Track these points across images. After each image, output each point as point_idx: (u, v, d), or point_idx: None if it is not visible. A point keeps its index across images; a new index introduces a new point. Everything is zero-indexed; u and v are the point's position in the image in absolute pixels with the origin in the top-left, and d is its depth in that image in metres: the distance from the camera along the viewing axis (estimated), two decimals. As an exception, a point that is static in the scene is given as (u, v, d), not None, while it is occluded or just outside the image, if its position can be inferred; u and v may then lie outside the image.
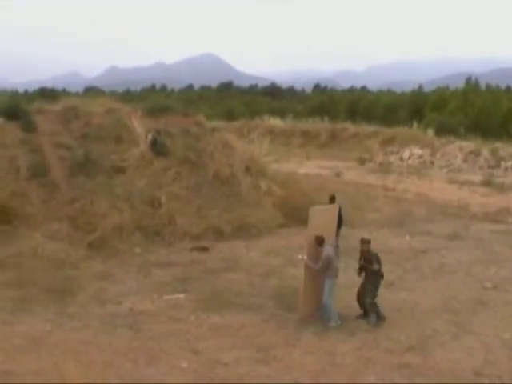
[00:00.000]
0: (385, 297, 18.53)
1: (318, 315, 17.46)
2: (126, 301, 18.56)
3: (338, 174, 45.95)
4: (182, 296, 19.10)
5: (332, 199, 24.35)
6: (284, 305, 18.24)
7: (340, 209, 20.97)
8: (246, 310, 17.94)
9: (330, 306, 17.27)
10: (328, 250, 17.20)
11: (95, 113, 31.33)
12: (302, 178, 35.51)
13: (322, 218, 17.95)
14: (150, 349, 15.07)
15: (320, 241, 17.26)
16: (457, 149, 55.96)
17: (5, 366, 13.62)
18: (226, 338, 15.99)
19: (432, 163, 54.83)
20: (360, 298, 17.71)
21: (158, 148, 29.48)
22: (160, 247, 24.48)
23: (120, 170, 27.97)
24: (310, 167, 50.01)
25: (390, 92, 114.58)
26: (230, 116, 77.39)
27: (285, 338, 16.02)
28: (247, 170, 31.45)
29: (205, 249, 24.40)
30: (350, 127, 70.75)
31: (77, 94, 68.06)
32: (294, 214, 28.20)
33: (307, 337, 16.15)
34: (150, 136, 29.69)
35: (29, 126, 28.58)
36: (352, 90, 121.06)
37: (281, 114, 78.67)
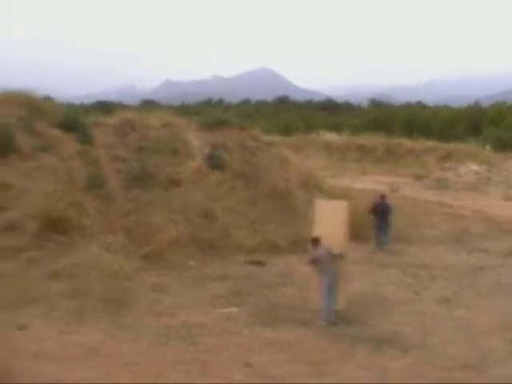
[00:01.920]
0: (440, 314, 18.32)
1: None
2: (180, 313, 18.60)
3: (394, 190, 45.51)
4: (236, 309, 19.09)
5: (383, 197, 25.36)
6: (338, 320, 18.11)
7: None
8: (299, 324, 17.84)
9: (324, 304, 18.10)
10: (318, 252, 18.24)
11: (151, 126, 31.52)
12: (358, 193, 35.22)
13: (329, 214, 18.15)
14: (202, 361, 15.05)
15: (314, 242, 18.44)
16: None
17: (59, 375, 13.70)
18: (279, 352, 15.92)
19: (489, 179, 54.13)
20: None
21: (214, 161, 29.56)
22: (215, 260, 24.48)
23: (176, 183, 28.07)
24: (365, 182, 49.66)
25: (447, 107, 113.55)
26: (286, 130, 77.41)
27: (338, 353, 15.90)
28: (303, 184, 31.39)
29: (259, 263, 24.36)
30: (407, 142, 69.85)
31: (133, 107, 68.49)
32: (351, 230, 28.04)
33: (361, 352, 15.99)
34: (206, 149, 29.80)
35: (86, 139, 28.87)
36: (408, 104, 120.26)
37: (336, 128, 78.40)
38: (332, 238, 18.25)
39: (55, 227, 23.83)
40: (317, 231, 18.62)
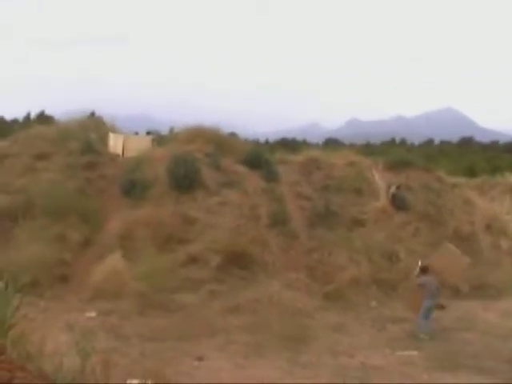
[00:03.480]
0: None
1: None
2: (358, 354, 18.37)
3: None
4: (415, 353, 18.65)
5: None
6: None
7: None
8: (480, 372, 17.17)
9: (422, 322, 20.82)
10: (425, 278, 21.30)
11: (336, 165, 31.61)
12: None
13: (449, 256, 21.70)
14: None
15: (423, 269, 21.64)
16: None
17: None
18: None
19: None
20: None
21: (398, 202, 29.28)
22: (396, 302, 24.04)
23: (359, 223, 27.99)
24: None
25: None
26: (470, 172, 75.57)
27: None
28: (488, 228, 30.59)
29: (441, 306, 23.78)
30: None
31: (317, 146, 68.92)
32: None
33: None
34: (391, 190, 29.55)
35: (271, 176, 29.21)
36: None
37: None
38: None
39: (237, 262, 24.21)
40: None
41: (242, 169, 29.34)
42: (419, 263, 22.16)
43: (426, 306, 20.93)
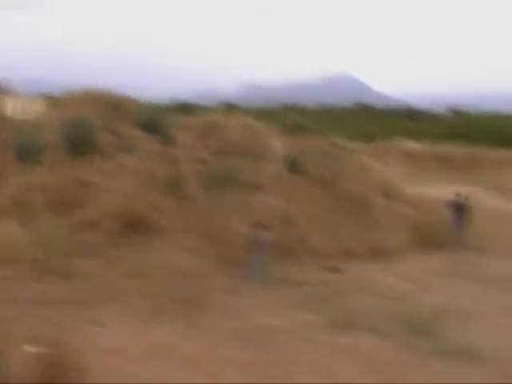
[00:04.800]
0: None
1: None
2: (254, 317, 18.56)
3: (473, 199, 44.57)
4: (311, 315, 18.96)
5: None
6: (415, 331, 17.90)
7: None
8: (375, 333, 17.65)
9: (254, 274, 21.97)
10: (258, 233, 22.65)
11: (233, 129, 31.60)
12: (436, 201, 34.82)
13: None
14: (276, 365, 15.00)
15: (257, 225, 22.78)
16: None
17: (133, 373, 13.79)
18: (353, 359, 15.80)
19: None
20: None
21: (293, 166, 29.51)
22: (291, 266, 24.33)
23: (254, 187, 28.09)
24: (446, 192, 48.87)
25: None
26: (366, 137, 76.71)
27: (415, 365, 15.72)
28: (382, 192, 31.21)
29: (336, 269, 24.22)
30: (490, 153, 68.31)
31: (214, 109, 68.69)
32: (429, 239, 27.84)
33: (438, 365, 15.79)
34: (285, 154, 29.79)
35: (167, 140, 29.04)
36: (493, 114, 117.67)
37: (417, 136, 77.26)
38: None
39: (133, 227, 24.06)
40: None
41: (137, 133, 29.04)
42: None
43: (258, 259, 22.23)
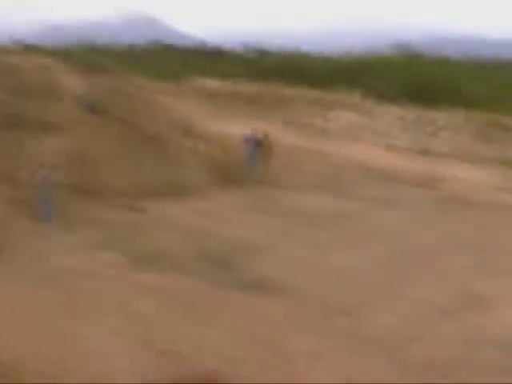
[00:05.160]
0: (312, 258, 18.65)
1: None
2: (54, 258, 18.33)
3: (266, 135, 45.40)
4: (112, 254, 18.85)
5: None
6: (216, 266, 18.19)
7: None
8: (178, 270, 17.81)
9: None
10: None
11: (27, 69, 30.60)
12: (230, 137, 35.28)
13: None
14: (73, 304, 14.85)
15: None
16: (392, 114, 55.81)
17: None
18: (155, 296, 15.96)
19: (364, 127, 54.44)
20: None
21: (91, 106, 28.98)
22: (90, 206, 23.87)
23: (49, 127, 27.34)
24: (236, 128, 49.52)
25: (322, 56, 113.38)
26: (167, 77, 76.38)
27: (215, 299, 16.01)
28: (183, 131, 31.25)
29: (137, 209, 24.14)
30: (279, 89, 69.72)
31: (9, 50, 66.22)
32: (229, 176, 28.20)
33: (237, 297, 16.16)
34: (80, 93, 29.22)
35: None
36: (285, 52, 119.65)
37: (211, 74, 77.55)
38: None
39: None
40: None
41: None
42: None
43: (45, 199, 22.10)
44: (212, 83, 72.80)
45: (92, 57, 43.20)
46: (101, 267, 17.81)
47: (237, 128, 46.17)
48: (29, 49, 63.81)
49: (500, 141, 45.60)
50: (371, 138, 49.68)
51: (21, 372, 11.97)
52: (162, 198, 25.45)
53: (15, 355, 12.49)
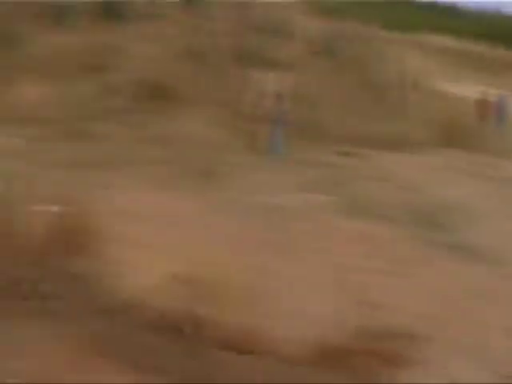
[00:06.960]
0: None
1: None
2: (272, 194, 18.41)
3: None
4: (324, 197, 18.98)
5: None
6: (426, 224, 17.82)
7: None
8: (388, 222, 17.40)
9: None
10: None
11: (271, 6, 31.11)
12: (458, 98, 34.32)
13: None
14: (281, 243, 15.03)
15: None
16: None
17: (142, 235, 13.81)
18: (365, 245, 15.75)
19: None
20: None
21: (324, 48, 29.14)
22: (308, 146, 23.89)
23: (277, 65, 27.71)
24: (463, 89, 47.78)
25: None
26: (394, 26, 74.72)
27: (427, 257, 15.62)
28: (412, 85, 30.83)
29: (354, 155, 24.07)
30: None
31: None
32: (454, 136, 27.63)
33: (441, 258, 15.81)
34: (317, 34, 29.44)
35: (202, 11, 28.79)
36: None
37: (442, 31, 75.00)
38: None
39: (156, 94, 23.98)
40: None
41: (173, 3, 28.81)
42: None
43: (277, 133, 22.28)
44: (442, 40, 70.79)
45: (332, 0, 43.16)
46: (313, 209, 17.87)
47: (464, 89, 45.03)
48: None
49: None
50: None
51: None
52: (382, 149, 25.26)
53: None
